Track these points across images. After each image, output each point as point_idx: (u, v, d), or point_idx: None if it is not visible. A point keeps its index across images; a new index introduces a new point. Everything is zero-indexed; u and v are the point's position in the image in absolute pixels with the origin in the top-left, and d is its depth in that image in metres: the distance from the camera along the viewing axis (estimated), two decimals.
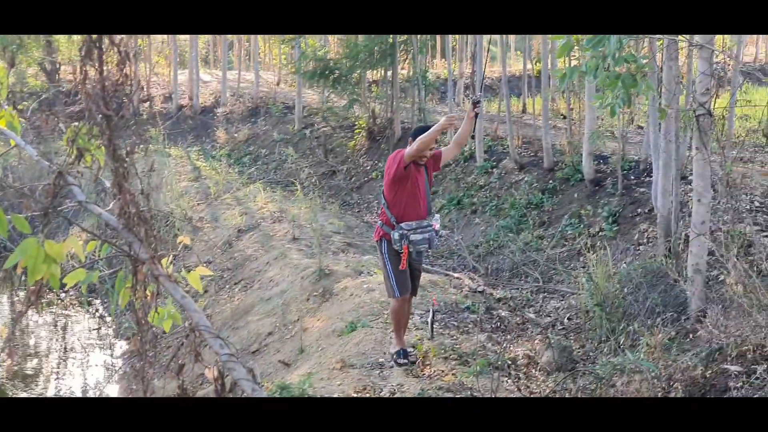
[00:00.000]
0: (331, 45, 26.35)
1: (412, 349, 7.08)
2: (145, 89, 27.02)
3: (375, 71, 20.33)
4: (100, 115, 2.62)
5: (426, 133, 6.39)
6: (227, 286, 12.46)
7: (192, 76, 26.48)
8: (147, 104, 26.33)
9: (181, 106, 26.29)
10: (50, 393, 10.41)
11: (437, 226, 6.80)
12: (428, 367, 6.68)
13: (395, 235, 6.62)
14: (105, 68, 2.63)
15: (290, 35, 21.39)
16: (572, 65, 5.87)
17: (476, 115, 6.73)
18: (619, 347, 6.70)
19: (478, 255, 11.79)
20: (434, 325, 7.51)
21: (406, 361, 6.85)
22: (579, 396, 5.66)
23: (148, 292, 2.74)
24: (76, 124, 2.77)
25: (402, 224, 6.61)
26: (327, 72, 19.12)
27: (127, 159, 2.64)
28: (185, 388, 2.28)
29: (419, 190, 6.71)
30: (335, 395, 6.29)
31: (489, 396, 5.63)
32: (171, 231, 15.20)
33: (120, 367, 11.16)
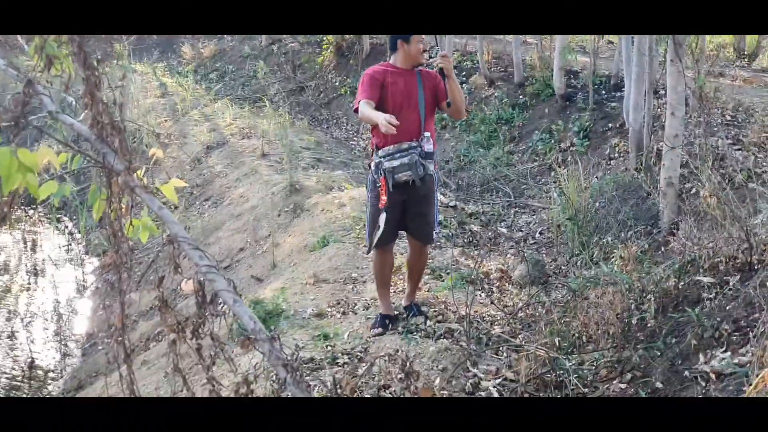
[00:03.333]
0: None
1: (403, 308, 6.01)
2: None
3: None
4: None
5: (365, 114, 5.17)
6: (197, 203, 12.40)
7: None
8: None
9: None
10: (20, 309, 10.36)
11: (427, 147, 5.42)
12: (402, 281, 6.65)
13: (372, 165, 5.47)
14: None
15: None
16: None
17: (441, 72, 5.41)
18: (592, 260, 6.75)
19: (449, 170, 11.77)
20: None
21: (380, 330, 5.67)
22: (553, 309, 5.71)
23: (123, 204, 2.68)
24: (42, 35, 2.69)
25: (379, 151, 5.36)
26: None
27: (98, 67, 2.55)
28: (165, 299, 2.24)
29: (405, 105, 5.38)
30: (309, 309, 6.29)
31: (465, 310, 5.66)
32: (139, 147, 15.01)
33: (92, 283, 11.12)
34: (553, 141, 11.01)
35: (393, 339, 5.45)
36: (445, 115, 5.69)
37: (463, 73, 14.73)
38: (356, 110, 5.36)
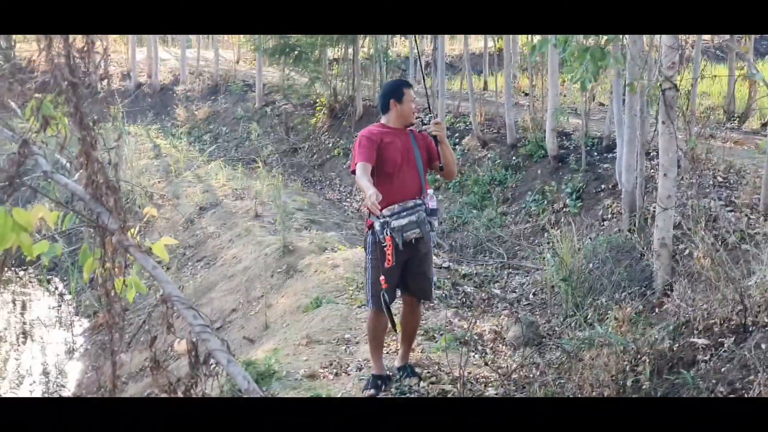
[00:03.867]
0: None
1: (396, 369, 5.95)
2: (103, 66, 26.57)
3: (336, 49, 20.14)
4: (65, 83, 2.54)
5: (359, 180, 5.20)
6: (189, 263, 12.34)
7: (151, 53, 26.12)
8: (105, 81, 26.06)
9: (139, 83, 25.97)
10: (9, 371, 10.25)
11: (432, 204, 5.48)
12: (395, 342, 6.61)
13: (377, 224, 5.32)
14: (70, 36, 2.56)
15: None
16: (540, 38, 5.80)
17: (434, 138, 5.57)
18: (586, 321, 6.73)
19: (442, 231, 11.78)
20: (391, 311, 5.59)
21: (372, 391, 5.62)
22: (547, 371, 5.67)
23: (116, 264, 2.67)
24: (38, 96, 2.70)
25: (383, 210, 5.21)
26: (287, 49, 18.95)
27: (93, 128, 2.56)
28: (157, 360, 2.21)
29: (405, 164, 5.47)
30: (301, 370, 6.24)
31: (458, 372, 5.61)
32: (133, 208, 15.03)
33: (81, 345, 11.02)
34: (546, 202, 11.05)
35: None
36: (438, 176, 5.79)
37: (456, 134, 14.84)
38: (353, 171, 5.37)
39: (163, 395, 2.20)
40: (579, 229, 9.31)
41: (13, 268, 14.10)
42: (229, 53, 31.47)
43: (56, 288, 13.94)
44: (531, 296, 8.49)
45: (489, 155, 13.50)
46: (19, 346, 11.29)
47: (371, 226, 5.46)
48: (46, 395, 9.43)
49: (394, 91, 5.61)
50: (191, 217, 14.22)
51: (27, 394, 9.45)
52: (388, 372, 5.88)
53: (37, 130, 2.61)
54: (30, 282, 14.14)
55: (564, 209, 10.55)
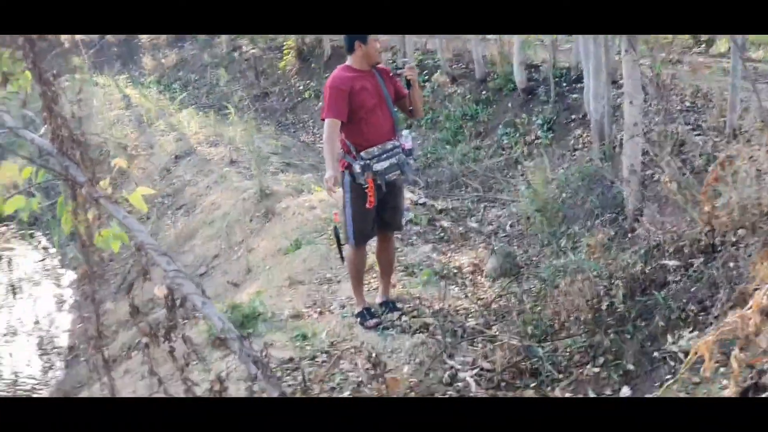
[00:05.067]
0: None
1: (378, 305, 6.04)
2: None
3: None
4: (21, 39, 2.54)
5: (326, 147, 5.31)
6: (169, 212, 12.38)
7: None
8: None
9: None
10: (1, 326, 10.32)
11: (408, 145, 5.60)
12: (375, 279, 6.69)
13: (356, 167, 5.40)
14: None
15: None
16: None
17: (407, 82, 5.60)
18: (561, 250, 6.83)
19: (417, 168, 11.81)
20: (340, 245, 5.81)
21: (376, 320, 5.75)
22: (525, 299, 5.80)
23: (89, 215, 2.71)
24: None
25: (362, 153, 5.41)
26: None
27: (54, 82, 2.58)
28: (136, 306, 2.27)
29: (378, 105, 5.50)
30: (286, 311, 6.31)
31: (438, 305, 5.72)
32: (106, 160, 14.95)
33: (70, 296, 11.07)
34: (518, 135, 11.08)
35: (369, 335, 5.52)
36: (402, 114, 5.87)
37: (425, 71, 14.78)
38: (323, 119, 5.45)
39: (145, 339, 2.25)
40: (551, 160, 9.38)
41: None
42: None
43: (39, 242, 13.93)
44: (508, 228, 8.58)
45: (459, 91, 13.48)
46: (8, 301, 11.36)
47: (348, 167, 5.48)
48: (40, 349, 9.51)
49: (349, 41, 5.57)
50: (167, 165, 14.20)
51: (21, 348, 9.54)
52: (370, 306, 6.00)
53: None
54: (12, 237, 14.12)
55: (536, 141, 10.60)
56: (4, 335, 10.04)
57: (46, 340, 9.79)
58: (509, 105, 12.10)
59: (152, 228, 11.77)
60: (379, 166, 5.39)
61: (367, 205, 5.41)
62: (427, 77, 14.42)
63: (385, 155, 5.43)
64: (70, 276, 11.84)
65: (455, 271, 7.05)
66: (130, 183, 14.02)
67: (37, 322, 10.25)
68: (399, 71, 5.69)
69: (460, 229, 8.66)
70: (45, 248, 13.59)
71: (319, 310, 6.36)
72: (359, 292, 5.98)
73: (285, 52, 19.49)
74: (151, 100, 18.44)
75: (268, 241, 8.87)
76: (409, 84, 5.63)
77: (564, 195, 7.80)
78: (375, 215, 5.63)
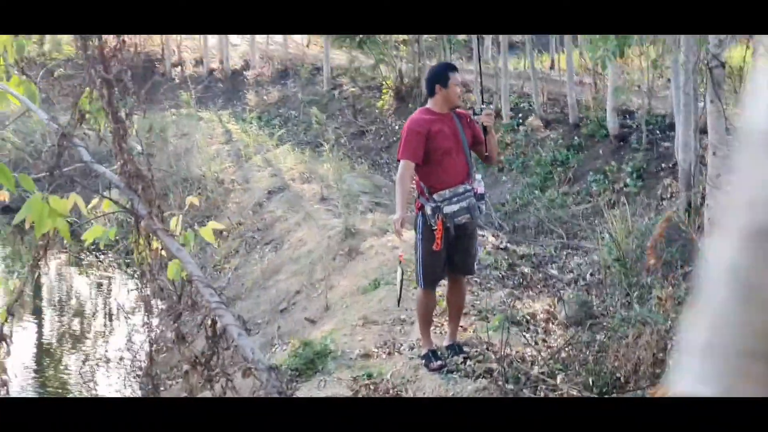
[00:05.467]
0: None
1: (445, 348, 6.08)
2: (176, 53, 27.24)
3: None
4: (99, 80, 2.71)
5: (398, 187, 5.66)
6: (258, 247, 12.63)
7: (222, 39, 26.49)
8: (179, 68, 26.47)
9: (211, 69, 26.40)
10: (98, 353, 10.73)
11: (480, 190, 5.65)
12: (447, 323, 6.73)
13: (428, 209, 5.52)
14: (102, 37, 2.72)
15: None
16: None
17: (484, 128, 5.75)
18: (636, 301, 6.75)
19: (505, 213, 11.84)
20: (402, 287, 6.10)
21: (440, 363, 5.79)
22: (591, 350, 5.74)
23: (154, 245, 2.87)
24: (78, 86, 2.88)
25: (434, 195, 5.50)
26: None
27: (126, 120, 2.74)
28: (181, 335, 2.40)
29: (454, 149, 5.60)
30: (356, 351, 6.41)
31: (502, 350, 5.72)
32: (204, 193, 15.46)
33: (156, 325, 11.42)
34: (607, 182, 11.01)
35: (432, 377, 5.56)
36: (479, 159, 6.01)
37: (520, 114, 14.82)
38: (398, 160, 5.70)
39: (186, 367, 2.37)
40: (638, 209, 9.30)
41: (94, 252, 14.71)
42: (300, 37, 31.74)
43: (135, 270, 14.40)
44: (588, 276, 8.51)
45: (552, 135, 13.48)
46: (105, 328, 11.83)
47: (421, 208, 5.62)
48: (128, 374, 9.83)
49: (440, 76, 5.70)
50: (260, 200, 14.53)
51: (112, 374, 9.91)
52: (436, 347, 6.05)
53: (75, 124, 2.81)
54: (110, 265, 14.68)
55: (624, 188, 10.52)
56: (100, 361, 10.45)
57: (132, 367, 10.13)
58: (600, 151, 12.03)
59: (241, 262, 12.06)
60: (449, 209, 5.47)
61: (434, 247, 5.50)
62: (521, 120, 14.46)
63: (456, 198, 5.50)
64: (160, 305, 12.19)
65: (528, 317, 7.03)
66: (223, 217, 14.44)
67: (127, 350, 10.62)
68: (476, 116, 5.79)
69: (540, 275, 8.64)
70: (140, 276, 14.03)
71: (388, 350, 6.44)
72: (426, 334, 6.03)
73: (384, 91, 19.76)
74: (251, 136, 18.90)
75: (349, 280, 9.01)
76: (486, 130, 5.73)
77: (644, 245, 7.72)
78: (446, 258, 5.69)
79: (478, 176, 5.73)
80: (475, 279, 8.19)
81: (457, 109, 5.79)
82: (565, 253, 9.54)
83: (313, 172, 15.03)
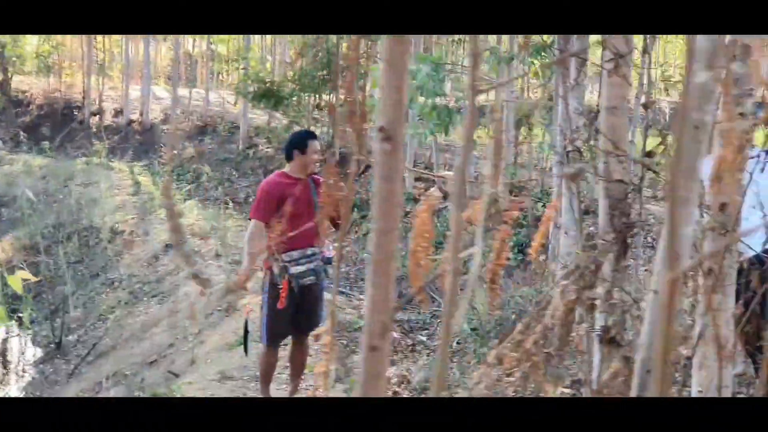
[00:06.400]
0: (277, 66, 26.73)
1: None
2: (96, 103, 27.03)
3: (316, 95, 20.36)
4: None
5: (247, 246, 5.85)
6: (145, 299, 12.57)
7: (144, 91, 26.46)
8: (97, 117, 26.30)
9: (130, 120, 26.30)
10: None
11: (328, 253, 5.86)
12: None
13: (275, 268, 5.69)
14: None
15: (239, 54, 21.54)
16: None
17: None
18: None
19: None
20: (248, 339, 6.31)
21: None
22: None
23: None
24: None
25: (283, 255, 5.62)
26: (269, 94, 19.17)
27: None
28: None
29: (305, 213, 5.59)
30: None
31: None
32: (101, 244, 15.37)
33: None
34: None
35: None
36: None
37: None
38: (250, 218, 5.93)
39: None
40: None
41: None
42: (231, 94, 31.74)
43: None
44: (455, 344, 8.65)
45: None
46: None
47: (270, 268, 5.76)
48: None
49: (299, 142, 5.93)
50: (156, 253, 14.47)
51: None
52: None
53: None
54: None
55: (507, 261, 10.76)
56: None
57: None
58: None
59: (122, 314, 11.98)
60: (295, 270, 5.66)
61: (279, 305, 5.64)
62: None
63: (304, 260, 5.70)
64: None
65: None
66: (120, 267, 14.33)
67: None
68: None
69: (409, 341, 8.76)
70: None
71: None
72: (266, 391, 6.14)
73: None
74: (159, 189, 18.83)
75: (219, 336, 9.02)
76: None
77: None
78: (290, 317, 5.81)
79: (330, 240, 5.86)
80: (343, 341, 8.28)
81: (314, 175, 5.95)
82: (438, 321, 9.69)
83: (214, 229, 15.03)
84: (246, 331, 6.15)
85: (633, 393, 2.63)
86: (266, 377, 6.14)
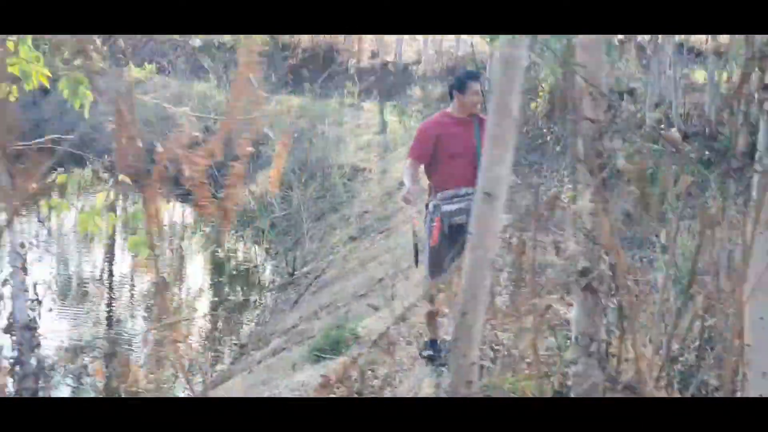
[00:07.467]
0: None
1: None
2: (356, 45, 27.83)
3: None
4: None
5: (405, 176, 5.88)
6: (372, 234, 12.96)
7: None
8: (355, 60, 27.06)
9: (385, 62, 26.84)
10: None
11: None
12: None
13: (430, 206, 5.82)
14: None
15: None
16: None
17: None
18: None
19: None
20: (417, 251, 6.12)
21: (430, 353, 5.97)
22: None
23: None
24: None
25: (438, 194, 5.74)
26: None
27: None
28: None
29: (464, 155, 5.71)
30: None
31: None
32: (341, 180, 16.01)
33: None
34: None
35: (420, 364, 5.71)
36: None
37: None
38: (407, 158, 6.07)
39: None
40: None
41: None
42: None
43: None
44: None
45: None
46: None
47: (426, 205, 5.91)
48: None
49: (459, 82, 5.91)
50: (390, 190, 14.82)
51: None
52: None
53: None
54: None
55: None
56: None
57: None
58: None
59: (349, 248, 12.46)
60: (447, 208, 5.67)
61: (431, 242, 5.72)
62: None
63: (456, 199, 5.68)
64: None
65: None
66: (353, 204, 14.82)
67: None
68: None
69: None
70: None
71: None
72: (432, 329, 6.15)
73: (539, 94, 19.55)
74: (406, 128, 19.16)
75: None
76: None
77: None
78: (445, 253, 5.77)
79: None
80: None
81: (479, 115, 5.88)
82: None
83: None
84: (415, 244, 6.10)
85: None
86: (430, 314, 5.97)
